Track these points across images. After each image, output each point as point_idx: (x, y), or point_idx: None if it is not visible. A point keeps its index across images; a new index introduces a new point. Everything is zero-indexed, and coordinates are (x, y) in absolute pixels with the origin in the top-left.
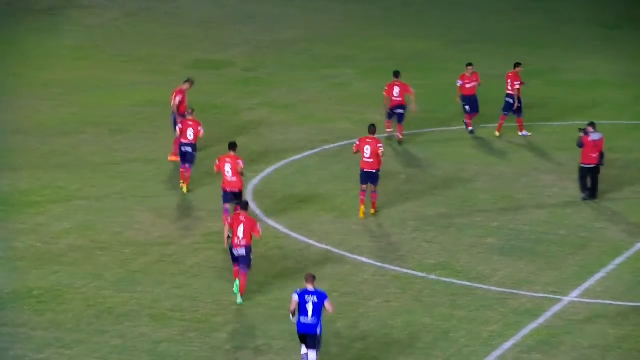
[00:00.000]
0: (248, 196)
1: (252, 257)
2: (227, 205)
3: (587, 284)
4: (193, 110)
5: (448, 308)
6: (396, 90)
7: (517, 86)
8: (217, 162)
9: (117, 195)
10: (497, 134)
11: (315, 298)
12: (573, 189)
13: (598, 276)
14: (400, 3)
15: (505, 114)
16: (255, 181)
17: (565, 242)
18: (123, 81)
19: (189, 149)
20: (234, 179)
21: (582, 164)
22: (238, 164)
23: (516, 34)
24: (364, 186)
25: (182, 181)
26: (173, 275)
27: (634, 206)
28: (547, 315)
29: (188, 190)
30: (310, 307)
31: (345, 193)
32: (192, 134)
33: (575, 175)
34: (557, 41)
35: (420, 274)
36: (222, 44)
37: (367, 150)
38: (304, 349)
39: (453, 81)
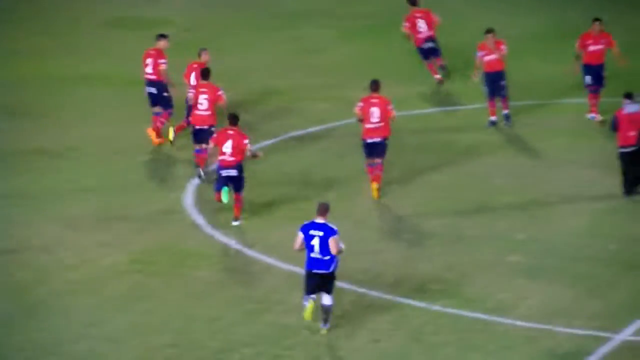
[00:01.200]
0: (187, 201)
1: (244, 177)
2: (221, 194)
3: None
4: None
5: (457, 350)
6: (421, 23)
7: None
8: (216, 136)
9: (8, 200)
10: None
11: (321, 233)
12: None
13: None
14: None
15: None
16: (196, 181)
17: (614, 261)
18: (12, 50)
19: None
20: (232, 159)
21: (619, 147)
22: (244, 143)
23: None
24: (371, 160)
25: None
26: (87, 309)
27: None
28: (592, 359)
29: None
30: (316, 243)
31: (319, 195)
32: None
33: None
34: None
35: (420, 304)
36: None
37: (375, 112)
38: (306, 300)
39: (474, 40)
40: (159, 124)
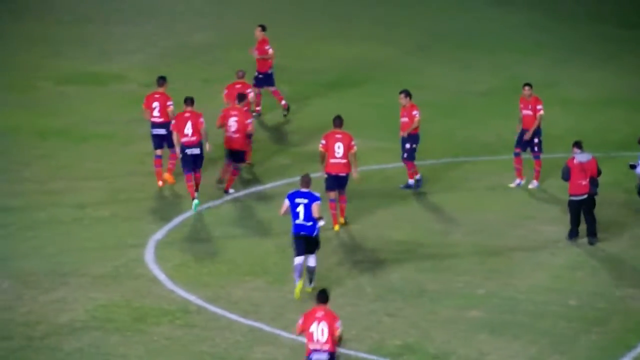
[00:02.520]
0: (148, 256)
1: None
2: (231, 168)
3: None
4: None
5: None
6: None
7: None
8: (222, 114)
9: None
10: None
11: (306, 200)
12: (584, 243)
13: None
14: None
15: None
16: (157, 235)
17: (576, 316)
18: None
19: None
20: (237, 135)
21: (571, 195)
22: (247, 123)
23: (500, 35)
24: (332, 194)
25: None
26: None
27: None
28: None
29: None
30: (301, 210)
31: (279, 250)
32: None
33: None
34: (554, 45)
35: None
36: (106, 51)
37: (339, 148)
38: (297, 260)
39: (416, 100)
40: (171, 166)
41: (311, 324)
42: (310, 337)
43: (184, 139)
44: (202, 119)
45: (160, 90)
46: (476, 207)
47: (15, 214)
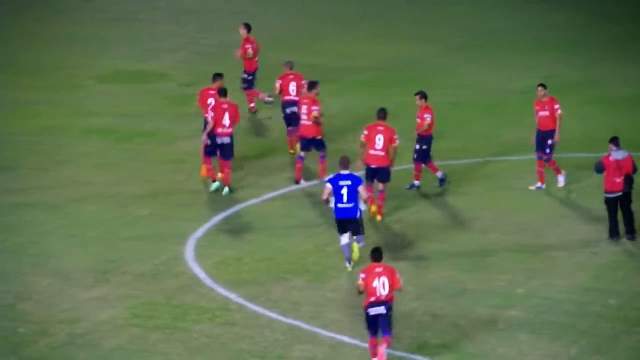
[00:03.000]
0: (188, 254)
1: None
2: (318, 158)
3: None
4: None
5: None
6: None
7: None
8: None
9: (6, 255)
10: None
11: (349, 182)
12: (625, 243)
13: None
14: None
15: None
16: (197, 233)
17: (617, 316)
18: (15, 100)
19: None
20: (309, 122)
21: (606, 192)
22: (238, 113)
23: (540, 34)
24: (370, 183)
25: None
26: None
27: None
28: None
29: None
30: (344, 192)
31: (319, 249)
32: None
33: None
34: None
35: (421, 359)
36: (150, 50)
37: (380, 140)
38: (344, 239)
39: (454, 99)
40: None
41: (373, 279)
42: (373, 291)
43: (219, 129)
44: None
45: (217, 85)
46: (515, 206)
47: (57, 212)
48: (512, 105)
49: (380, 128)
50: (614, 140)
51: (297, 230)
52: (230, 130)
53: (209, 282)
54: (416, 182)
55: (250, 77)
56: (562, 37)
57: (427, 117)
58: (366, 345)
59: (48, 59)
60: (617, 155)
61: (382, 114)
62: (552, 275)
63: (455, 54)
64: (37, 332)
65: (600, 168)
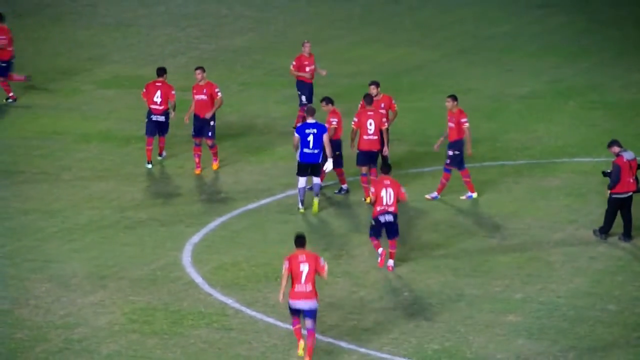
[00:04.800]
0: (185, 259)
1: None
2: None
3: None
4: None
5: None
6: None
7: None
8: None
9: (4, 260)
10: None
11: (314, 130)
12: (625, 247)
13: None
14: (385, 0)
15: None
16: (194, 238)
17: (615, 321)
18: (10, 105)
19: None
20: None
21: (615, 193)
22: (172, 94)
23: (542, 38)
24: (364, 168)
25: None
26: None
27: None
28: None
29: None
30: (311, 139)
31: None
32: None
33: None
34: (597, 48)
35: None
36: (150, 55)
37: (371, 125)
38: (301, 182)
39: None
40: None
41: (381, 190)
42: (380, 201)
43: (153, 106)
44: (173, 91)
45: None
46: (515, 211)
47: (55, 217)
48: (514, 110)
49: (370, 113)
50: (617, 142)
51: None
52: (162, 107)
53: (206, 287)
54: (435, 195)
55: (4, 65)
56: (563, 41)
57: (465, 122)
58: (363, 350)
59: (47, 63)
60: (627, 155)
61: (369, 99)
62: (550, 280)
63: (457, 59)
64: (35, 338)
65: (618, 174)
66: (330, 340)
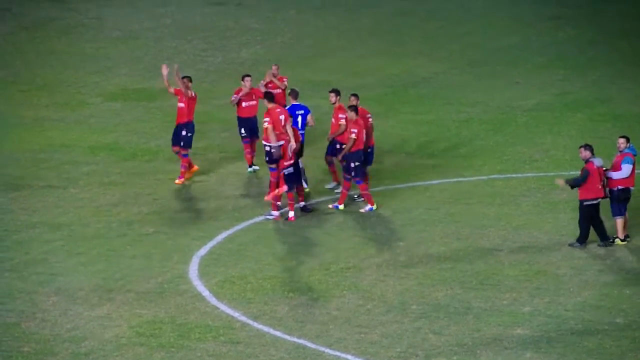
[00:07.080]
0: (192, 272)
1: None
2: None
3: None
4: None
5: None
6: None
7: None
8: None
9: (11, 273)
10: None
11: (302, 111)
12: (634, 261)
13: None
14: (394, 12)
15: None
16: (200, 251)
17: (623, 335)
18: (21, 117)
19: None
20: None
21: (589, 199)
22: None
23: (550, 50)
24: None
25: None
26: None
27: None
28: None
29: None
30: (299, 120)
31: (323, 267)
32: None
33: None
34: (605, 61)
35: None
36: (157, 67)
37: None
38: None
39: (463, 115)
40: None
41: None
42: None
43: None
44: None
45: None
46: (523, 224)
47: (62, 230)
48: (521, 122)
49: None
50: (590, 147)
51: (301, 249)
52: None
53: (213, 300)
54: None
55: None
56: (571, 54)
57: (343, 119)
58: None
59: (54, 76)
60: (597, 162)
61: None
62: (558, 293)
63: (465, 71)
64: (42, 352)
65: (585, 178)
66: (338, 353)
